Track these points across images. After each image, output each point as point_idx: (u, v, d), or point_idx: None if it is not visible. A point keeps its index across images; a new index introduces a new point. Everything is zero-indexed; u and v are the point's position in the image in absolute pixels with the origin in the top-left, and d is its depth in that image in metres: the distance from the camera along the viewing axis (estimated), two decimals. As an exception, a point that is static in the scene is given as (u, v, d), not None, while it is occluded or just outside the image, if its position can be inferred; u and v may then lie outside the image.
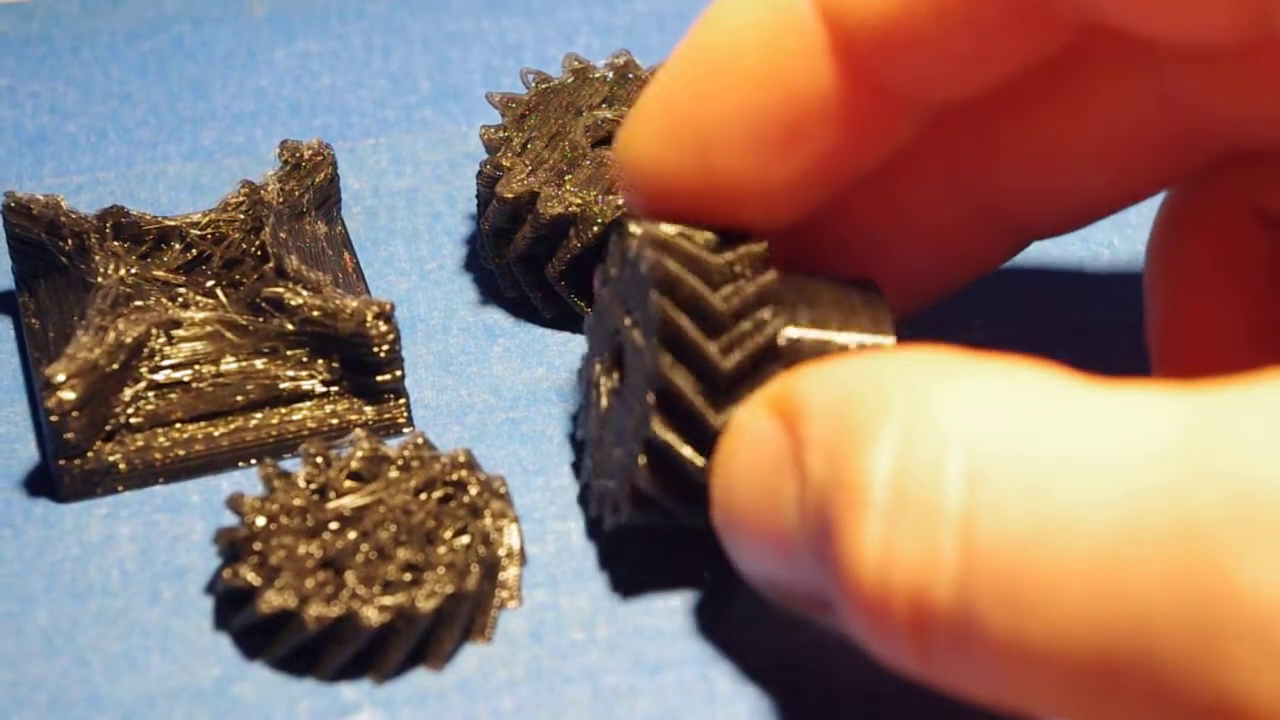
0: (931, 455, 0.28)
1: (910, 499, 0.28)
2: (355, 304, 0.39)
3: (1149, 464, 0.27)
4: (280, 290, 0.40)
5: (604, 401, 0.37)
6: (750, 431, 0.33)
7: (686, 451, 0.34)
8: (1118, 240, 0.45)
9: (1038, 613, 0.27)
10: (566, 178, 0.41)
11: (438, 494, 0.37)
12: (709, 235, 0.35)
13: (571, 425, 0.40)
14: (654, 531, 0.38)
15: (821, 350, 0.35)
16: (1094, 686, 0.27)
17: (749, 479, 0.32)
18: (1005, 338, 0.42)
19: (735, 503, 0.33)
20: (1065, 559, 0.27)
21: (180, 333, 0.40)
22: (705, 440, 0.34)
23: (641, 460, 0.35)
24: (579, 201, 0.41)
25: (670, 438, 0.34)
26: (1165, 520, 0.26)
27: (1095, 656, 0.27)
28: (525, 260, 0.42)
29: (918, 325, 0.39)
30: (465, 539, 0.36)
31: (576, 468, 0.39)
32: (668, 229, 0.35)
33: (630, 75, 0.44)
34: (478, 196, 0.43)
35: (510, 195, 0.41)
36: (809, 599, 0.32)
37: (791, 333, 0.35)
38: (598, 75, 0.44)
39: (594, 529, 0.38)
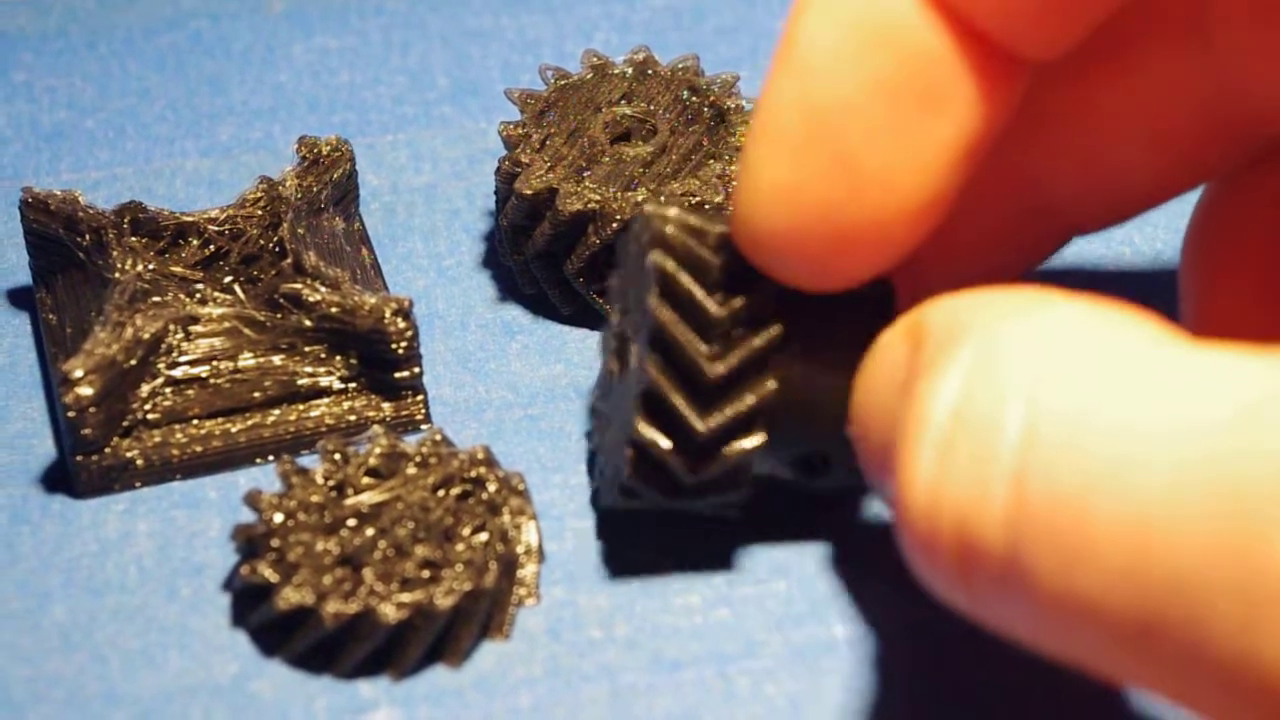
0: (993, 398, 0.28)
1: (967, 436, 0.28)
2: (373, 300, 0.39)
3: (1210, 435, 0.26)
4: (298, 286, 0.40)
5: (611, 386, 0.37)
6: (884, 351, 0.33)
7: (668, 449, 0.34)
8: (1139, 238, 0.44)
9: (1083, 564, 0.27)
10: (585, 174, 0.41)
11: (456, 491, 0.36)
12: (720, 230, 0.35)
13: (589, 421, 0.40)
14: (673, 530, 0.38)
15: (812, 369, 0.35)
16: (1132, 641, 0.27)
17: (878, 398, 0.32)
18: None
19: (865, 420, 0.33)
20: (1114, 515, 0.27)
21: (198, 329, 0.40)
22: (690, 442, 0.34)
23: (628, 453, 0.35)
24: (598, 198, 0.41)
25: (653, 437, 0.34)
26: (1219, 489, 0.26)
27: (1136, 612, 0.27)
28: (544, 257, 0.42)
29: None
30: (483, 536, 0.36)
31: (593, 457, 0.39)
32: (674, 229, 0.35)
33: (649, 71, 0.44)
34: (496, 193, 0.43)
35: (529, 192, 0.41)
36: None
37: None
38: (617, 71, 0.44)
39: (607, 526, 0.38)
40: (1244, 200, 0.37)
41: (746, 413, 0.34)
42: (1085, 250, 0.44)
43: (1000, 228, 0.38)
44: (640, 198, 0.40)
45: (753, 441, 0.35)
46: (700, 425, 0.34)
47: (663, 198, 0.41)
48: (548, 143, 0.42)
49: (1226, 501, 0.26)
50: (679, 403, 0.34)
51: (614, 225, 0.40)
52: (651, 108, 0.43)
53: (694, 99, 0.43)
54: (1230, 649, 0.26)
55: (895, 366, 0.32)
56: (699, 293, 0.34)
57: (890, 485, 0.31)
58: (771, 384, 0.34)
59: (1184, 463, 0.26)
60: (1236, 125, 0.36)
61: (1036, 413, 0.28)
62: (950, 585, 0.29)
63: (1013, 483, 0.28)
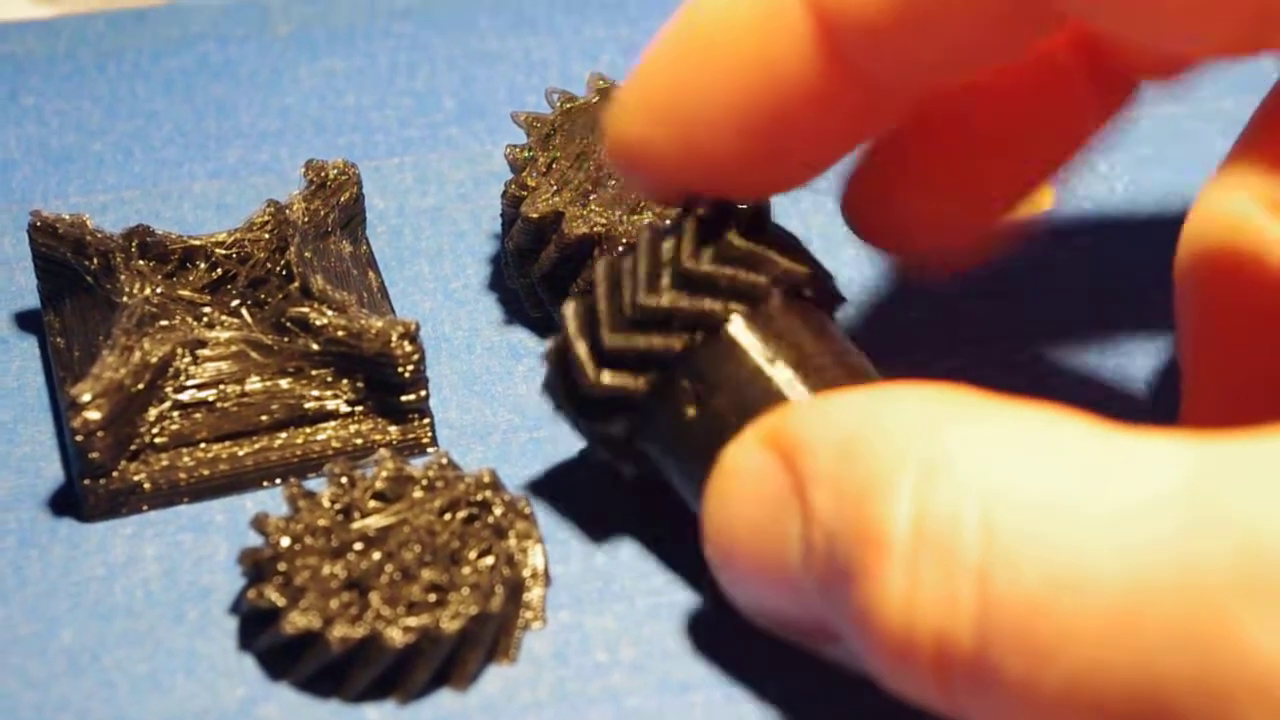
0: (948, 501, 0.29)
1: (931, 544, 0.29)
2: (380, 324, 0.39)
3: (1154, 513, 0.27)
4: (305, 310, 0.40)
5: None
6: (745, 466, 0.33)
7: (584, 351, 0.36)
8: (1132, 247, 0.44)
9: (1051, 660, 0.27)
10: (591, 198, 0.41)
11: (462, 514, 0.37)
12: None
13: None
14: (680, 554, 0.38)
15: (756, 374, 0.35)
16: None
17: (746, 514, 0.33)
18: (1015, 350, 0.42)
19: (731, 538, 0.33)
20: (1077, 608, 0.27)
21: (205, 352, 0.40)
22: (598, 353, 0.36)
23: (550, 345, 0.37)
24: (604, 222, 0.41)
25: (576, 333, 0.36)
26: (1170, 572, 0.26)
27: (1107, 704, 0.27)
28: (549, 280, 0.42)
29: (937, 330, 0.39)
30: (490, 560, 0.36)
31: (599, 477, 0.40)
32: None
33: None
34: (502, 216, 0.43)
35: (535, 215, 0.41)
36: (810, 630, 0.33)
37: (735, 331, 0.35)
38: (622, 95, 0.44)
39: (614, 550, 0.38)
40: (1225, 238, 0.37)
41: (646, 351, 0.35)
42: (1075, 263, 0.44)
43: (1063, 82, 0.38)
44: (646, 220, 0.41)
45: (636, 383, 0.35)
46: (607, 339, 0.35)
47: (668, 220, 0.41)
48: (554, 166, 0.42)
49: (1181, 582, 0.26)
50: (602, 310, 0.36)
51: (620, 249, 0.40)
52: None
53: (700, 121, 0.43)
54: None
55: (761, 480, 0.32)
56: (686, 249, 0.35)
57: (808, 601, 0.31)
58: (677, 344, 0.35)
59: (1134, 548, 0.27)
60: None
61: (992, 506, 0.28)
62: (927, 691, 0.29)
63: (977, 581, 0.28)
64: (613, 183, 0.42)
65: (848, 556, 0.30)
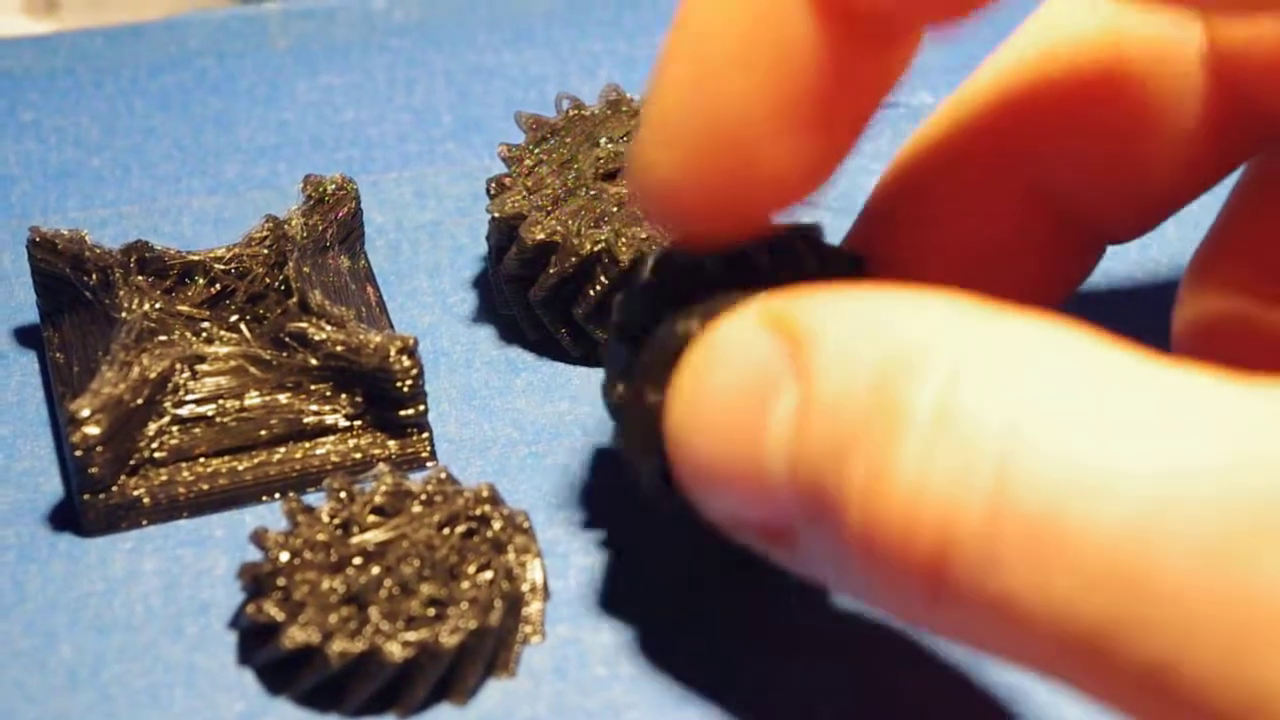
0: (977, 395, 0.28)
1: (951, 430, 0.28)
2: (379, 339, 0.39)
3: (1200, 436, 0.26)
4: (304, 325, 0.40)
5: None
6: (737, 341, 0.31)
7: None
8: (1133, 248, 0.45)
9: (1060, 571, 0.27)
10: (560, 205, 0.41)
11: (461, 529, 0.37)
12: None
13: (595, 459, 0.40)
14: (679, 567, 0.38)
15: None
16: (1096, 651, 0.27)
17: (726, 393, 0.31)
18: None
19: (704, 418, 0.32)
20: (1096, 515, 0.26)
21: (204, 367, 0.40)
22: None
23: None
24: (561, 230, 0.41)
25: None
26: (1203, 503, 0.26)
27: (1105, 622, 0.26)
28: (515, 281, 0.42)
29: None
30: (488, 574, 0.36)
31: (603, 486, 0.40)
32: None
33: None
34: (487, 239, 0.44)
35: (498, 214, 0.41)
36: (765, 529, 0.31)
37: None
38: (629, 109, 0.44)
39: (614, 564, 0.38)
40: (1262, 219, 0.37)
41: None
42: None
43: (1028, 245, 0.38)
44: (603, 235, 0.41)
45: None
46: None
47: (622, 240, 0.41)
48: (536, 169, 0.42)
49: (1213, 514, 0.26)
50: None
51: (573, 260, 0.40)
52: None
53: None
54: (1207, 672, 0.26)
55: (755, 359, 0.31)
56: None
57: (774, 491, 0.30)
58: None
59: (1172, 465, 0.26)
60: (1248, 120, 0.36)
61: (1021, 406, 0.28)
62: (911, 590, 0.29)
63: (995, 479, 0.27)
64: (585, 193, 0.42)
65: (856, 433, 0.29)
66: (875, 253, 0.36)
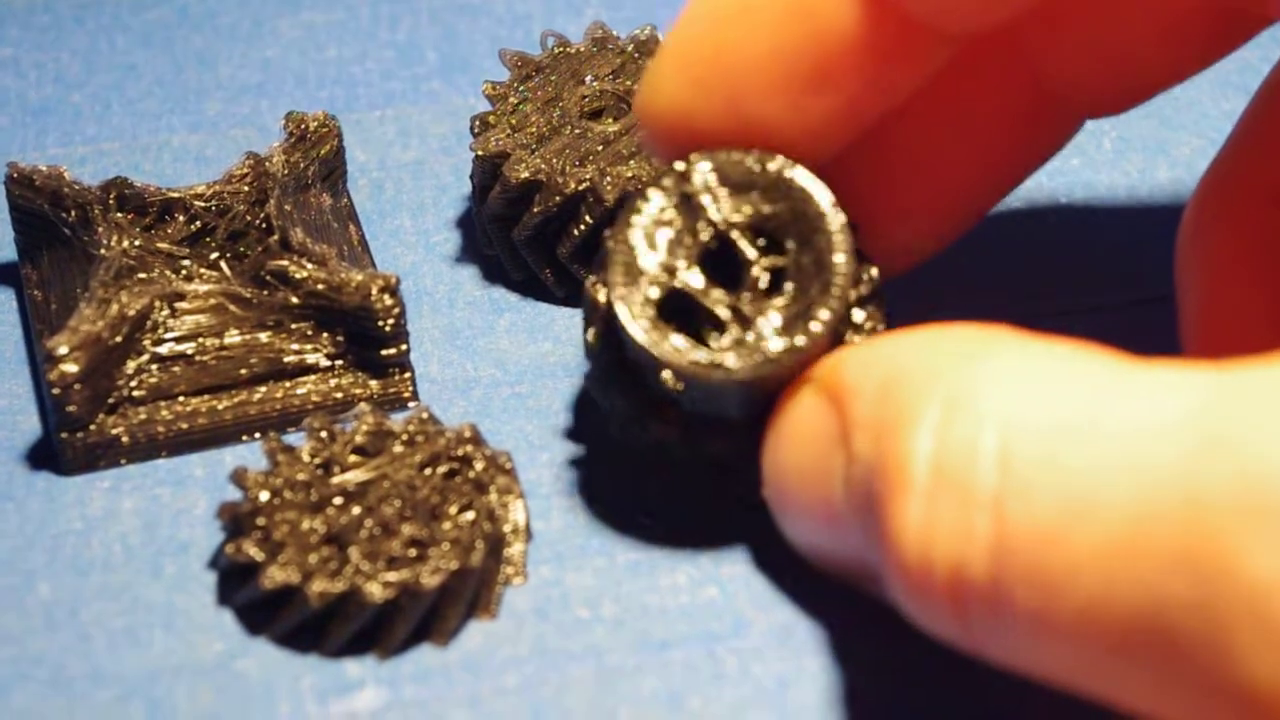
0: (968, 434, 0.29)
1: (948, 478, 0.29)
2: (360, 277, 0.39)
3: (1164, 436, 0.27)
4: (285, 263, 0.40)
5: None
6: (800, 410, 0.34)
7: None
8: (1137, 219, 0.44)
9: (1063, 590, 0.28)
10: (545, 144, 0.41)
11: (443, 469, 0.36)
12: None
13: (579, 400, 0.40)
14: (661, 510, 0.37)
15: None
16: (1115, 663, 0.27)
17: (798, 456, 0.33)
18: (1022, 316, 0.42)
19: (786, 478, 0.34)
20: (1088, 536, 0.27)
21: (184, 305, 0.40)
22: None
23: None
24: (545, 169, 0.40)
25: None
26: (1174, 498, 0.26)
27: (1115, 634, 0.27)
28: (498, 221, 0.42)
29: (936, 302, 0.39)
30: (470, 515, 0.36)
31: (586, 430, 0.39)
32: None
33: (649, 50, 0.43)
34: (471, 177, 0.43)
35: (481, 152, 0.41)
36: (854, 569, 0.33)
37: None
38: (615, 47, 0.43)
39: (595, 505, 0.38)
40: (1234, 191, 0.37)
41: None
42: (1080, 231, 0.44)
43: (1013, 116, 0.38)
44: (588, 174, 0.40)
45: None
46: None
47: (607, 179, 0.40)
48: (520, 107, 0.42)
49: (1183, 506, 0.26)
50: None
51: (557, 199, 0.40)
52: (635, 87, 0.42)
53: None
54: (1202, 668, 0.26)
55: (813, 422, 0.33)
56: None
57: (851, 541, 0.32)
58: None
59: (1142, 471, 0.27)
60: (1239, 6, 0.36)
61: (1010, 436, 0.29)
62: (946, 624, 0.30)
63: (993, 512, 0.29)
64: (569, 131, 0.41)
65: (874, 492, 0.31)
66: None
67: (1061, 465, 0.28)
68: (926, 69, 0.35)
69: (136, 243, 0.40)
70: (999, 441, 0.29)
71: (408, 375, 0.40)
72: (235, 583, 0.36)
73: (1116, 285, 0.42)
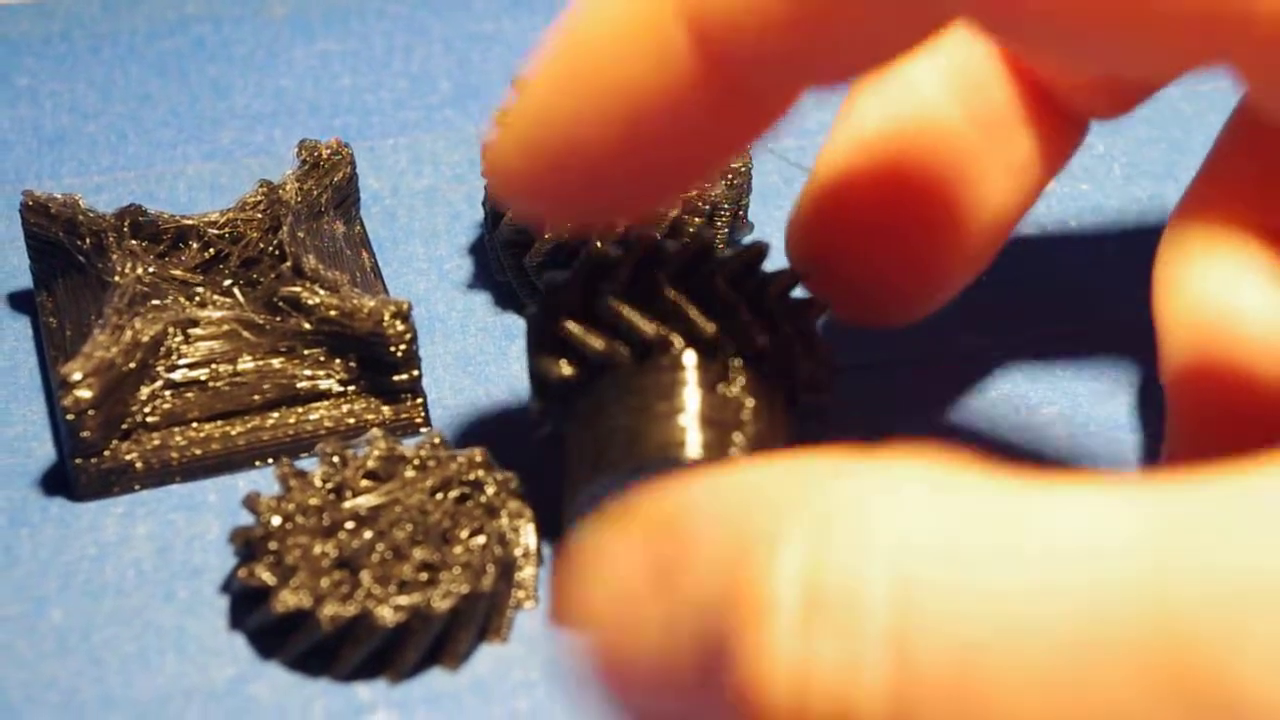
0: (848, 556, 0.25)
1: (827, 608, 0.25)
2: (373, 303, 0.39)
3: (1112, 556, 0.24)
4: (298, 289, 0.40)
5: None
6: (620, 551, 0.28)
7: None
8: (1112, 244, 0.44)
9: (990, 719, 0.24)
10: None
11: (454, 494, 0.36)
12: None
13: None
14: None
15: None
16: None
17: (608, 606, 0.28)
18: (1003, 343, 0.42)
19: (592, 631, 0.28)
20: (1023, 658, 0.24)
21: (197, 331, 0.40)
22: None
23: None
24: None
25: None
26: (1138, 616, 0.24)
27: None
28: (510, 247, 0.42)
29: (950, 329, 0.39)
30: (481, 539, 0.36)
31: None
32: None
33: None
34: (483, 205, 0.43)
35: None
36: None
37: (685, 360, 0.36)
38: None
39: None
40: (1208, 226, 0.36)
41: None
42: (1060, 254, 0.44)
43: (1019, 123, 0.37)
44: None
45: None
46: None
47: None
48: None
49: (1152, 626, 0.23)
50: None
51: (568, 225, 0.40)
52: None
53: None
54: None
55: (640, 563, 0.27)
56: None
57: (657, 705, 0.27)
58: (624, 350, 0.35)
59: (1097, 588, 0.24)
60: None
61: (906, 558, 0.25)
62: None
63: (892, 652, 0.25)
64: None
65: (721, 631, 0.26)
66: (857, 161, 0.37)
67: (981, 591, 0.24)
68: (767, 126, 0.33)
69: (150, 269, 0.40)
70: (891, 566, 0.25)
71: (420, 401, 0.40)
72: (247, 607, 0.36)
73: (1132, 305, 0.42)
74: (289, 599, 0.35)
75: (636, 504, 0.28)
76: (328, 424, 0.39)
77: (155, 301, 0.40)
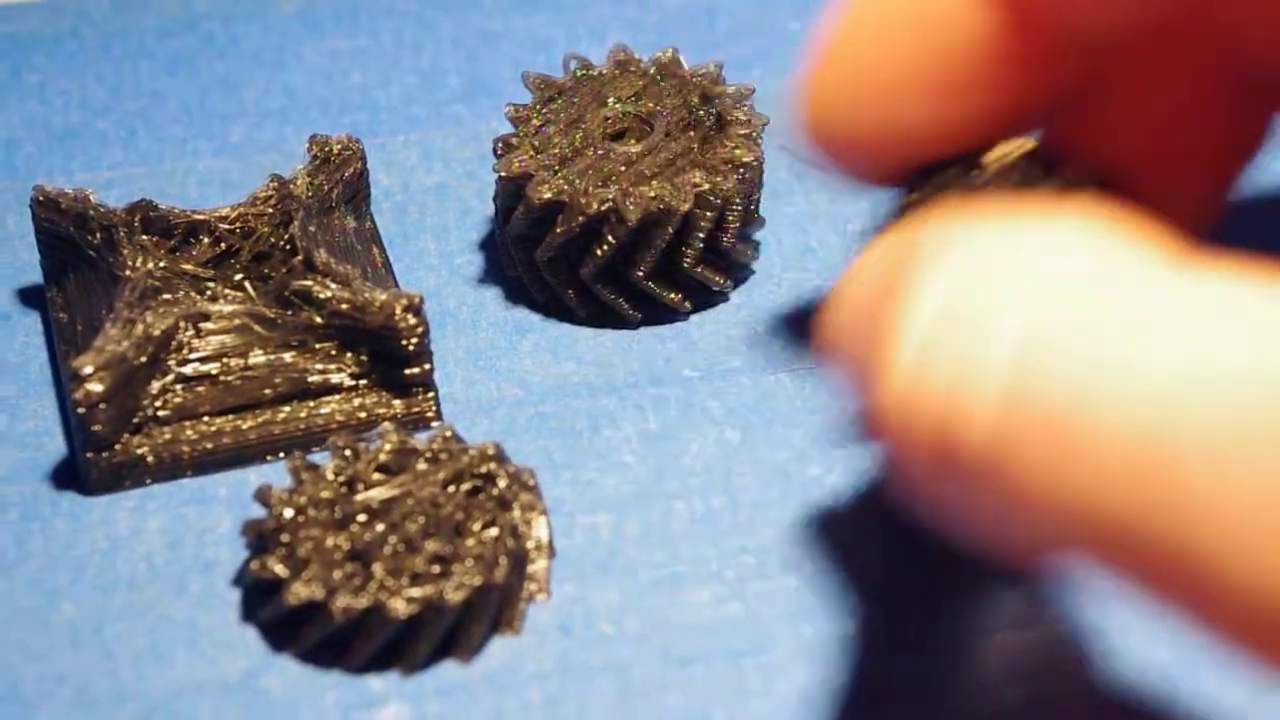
0: (983, 301, 0.28)
1: (953, 334, 0.28)
2: (384, 297, 0.39)
3: (1217, 344, 0.26)
4: (309, 283, 0.40)
5: None
6: (872, 256, 0.32)
7: None
8: None
9: (1075, 461, 0.26)
10: (567, 165, 0.41)
11: (466, 486, 0.36)
12: None
13: (602, 418, 0.40)
14: (683, 526, 0.37)
15: None
16: (1117, 537, 0.26)
17: (854, 302, 0.32)
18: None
19: (838, 319, 0.32)
20: (1117, 421, 0.26)
21: (208, 326, 0.40)
22: None
23: None
24: (569, 190, 0.40)
25: None
26: (1226, 401, 0.25)
27: (1127, 511, 0.26)
28: (521, 241, 0.42)
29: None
30: (493, 531, 0.36)
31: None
32: None
33: (671, 73, 0.43)
34: (494, 200, 0.43)
35: (504, 173, 0.41)
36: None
37: None
38: (638, 69, 0.44)
39: (619, 523, 0.38)
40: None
41: None
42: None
43: (1213, 114, 0.37)
44: (610, 195, 0.40)
45: None
46: None
47: (630, 200, 0.40)
48: (543, 129, 0.42)
49: (1238, 418, 0.25)
50: None
51: (579, 219, 0.40)
52: (658, 109, 0.42)
53: (702, 106, 0.43)
54: (1237, 563, 0.25)
55: (883, 275, 0.31)
56: None
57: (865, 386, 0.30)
58: None
59: (1192, 375, 0.26)
60: None
61: (1040, 332, 0.27)
62: (922, 475, 0.29)
63: (1005, 387, 0.27)
64: (592, 152, 0.41)
65: (874, 332, 0.29)
66: (1064, 132, 0.37)
67: (1098, 350, 0.26)
68: (1069, 78, 0.35)
69: (161, 264, 0.40)
70: (1026, 321, 0.27)
71: (431, 395, 0.40)
72: (259, 600, 0.36)
73: None
74: (301, 591, 0.35)
75: (903, 229, 0.32)
76: (339, 418, 0.39)
77: (166, 296, 0.40)
